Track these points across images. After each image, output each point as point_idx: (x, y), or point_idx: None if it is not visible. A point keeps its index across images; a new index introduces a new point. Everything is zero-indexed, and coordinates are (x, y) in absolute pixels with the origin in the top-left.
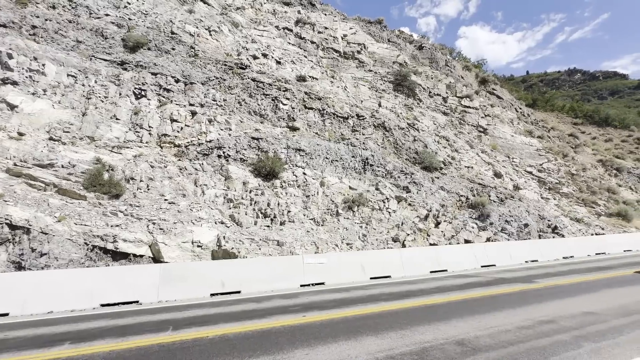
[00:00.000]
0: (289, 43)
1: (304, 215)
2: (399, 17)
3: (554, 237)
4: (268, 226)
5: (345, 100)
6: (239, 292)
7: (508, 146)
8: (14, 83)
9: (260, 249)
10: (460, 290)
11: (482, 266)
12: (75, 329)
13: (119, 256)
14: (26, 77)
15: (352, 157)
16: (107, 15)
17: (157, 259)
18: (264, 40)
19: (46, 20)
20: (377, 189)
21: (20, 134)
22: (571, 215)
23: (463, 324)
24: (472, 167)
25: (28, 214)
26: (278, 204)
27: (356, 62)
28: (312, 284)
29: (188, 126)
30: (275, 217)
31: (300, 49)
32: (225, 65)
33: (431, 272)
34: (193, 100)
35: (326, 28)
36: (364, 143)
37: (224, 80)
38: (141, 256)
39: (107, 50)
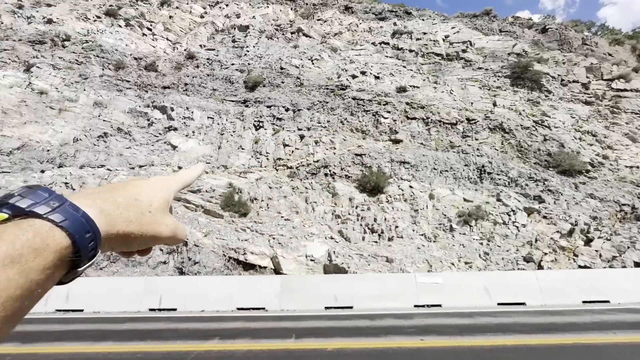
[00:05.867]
0: (386, 56)
1: (414, 230)
2: (515, 2)
3: None
4: (376, 242)
5: (451, 105)
6: (351, 307)
7: None
8: (175, 129)
9: (369, 264)
10: (635, 331)
11: None
12: (221, 327)
13: (248, 267)
14: (182, 123)
15: (465, 165)
16: (232, 64)
17: (277, 270)
18: (362, 59)
19: (193, 77)
20: (498, 199)
21: (180, 168)
22: None
23: None
24: (637, 167)
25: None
26: (385, 219)
27: (462, 62)
28: (427, 305)
29: (298, 149)
30: (382, 232)
31: (399, 59)
32: (327, 88)
33: (584, 302)
34: (301, 125)
35: (425, 33)
36: (478, 149)
37: (327, 102)
38: (265, 267)
39: (234, 92)
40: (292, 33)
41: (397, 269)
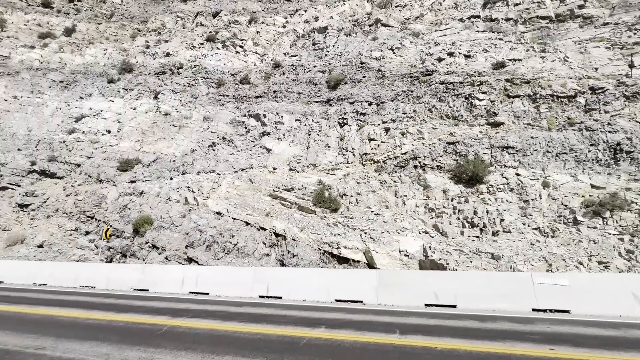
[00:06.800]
0: (477, 31)
1: (524, 224)
2: None
3: None
4: (477, 237)
5: (567, 75)
6: (454, 306)
7: None
8: (268, 134)
9: (471, 261)
10: None
11: None
12: (324, 316)
13: (342, 260)
14: (273, 127)
15: (591, 145)
16: (314, 67)
17: (370, 264)
18: (447, 39)
19: (280, 84)
20: None
21: (274, 169)
22: None
23: None
24: None
25: (284, 225)
26: (487, 212)
27: (578, 21)
28: (550, 310)
29: (383, 142)
30: (485, 226)
31: (493, 32)
32: (411, 77)
33: None
34: (385, 117)
35: None
36: (609, 124)
37: (411, 91)
38: (358, 261)
39: (317, 93)
40: (370, 25)
41: (506, 267)
